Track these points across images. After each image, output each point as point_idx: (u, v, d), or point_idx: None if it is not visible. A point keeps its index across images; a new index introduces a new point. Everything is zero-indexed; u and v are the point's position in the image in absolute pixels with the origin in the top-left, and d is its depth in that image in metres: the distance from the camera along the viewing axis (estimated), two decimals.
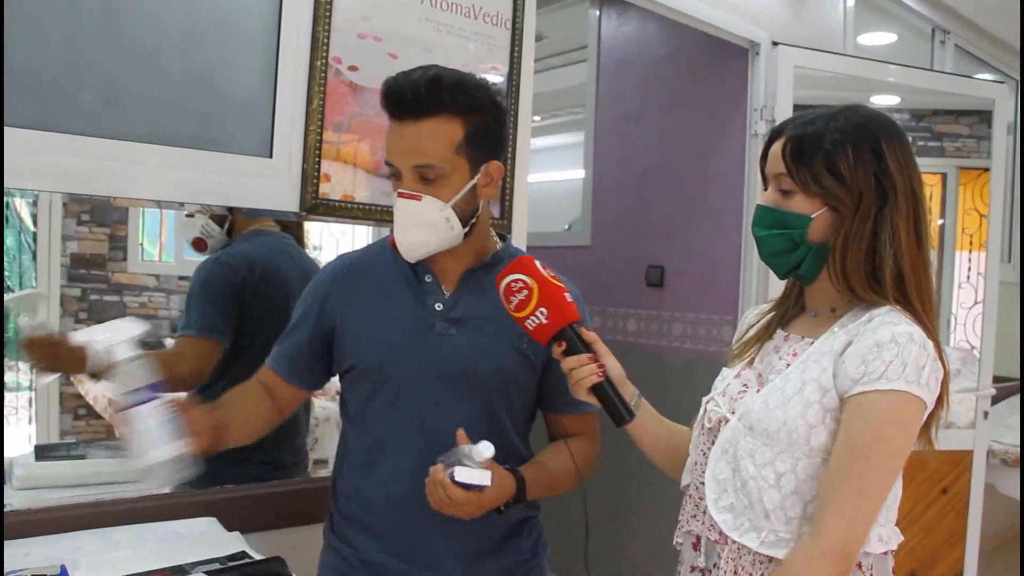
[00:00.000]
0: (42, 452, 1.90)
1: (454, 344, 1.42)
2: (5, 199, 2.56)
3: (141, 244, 3.33)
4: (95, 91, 1.50)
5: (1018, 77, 4.73)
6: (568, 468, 1.44)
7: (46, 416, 2.97)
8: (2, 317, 1.74)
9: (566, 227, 4.02)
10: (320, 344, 1.48)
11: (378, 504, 1.44)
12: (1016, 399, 4.65)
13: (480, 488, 1.27)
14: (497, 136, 1.43)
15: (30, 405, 2.99)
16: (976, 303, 3.58)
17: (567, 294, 1.28)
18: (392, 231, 1.42)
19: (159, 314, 3.31)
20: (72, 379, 1.90)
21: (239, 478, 1.81)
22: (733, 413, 1.24)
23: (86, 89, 1.49)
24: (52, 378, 2.19)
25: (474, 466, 1.26)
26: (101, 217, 3.13)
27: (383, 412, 1.43)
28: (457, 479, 1.25)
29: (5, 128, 1.36)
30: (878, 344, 1.12)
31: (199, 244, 2.13)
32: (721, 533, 1.21)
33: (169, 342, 2.40)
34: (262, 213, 1.99)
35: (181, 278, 3.37)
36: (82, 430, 3.07)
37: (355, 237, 3.02)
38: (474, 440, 1.29)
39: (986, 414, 3.27)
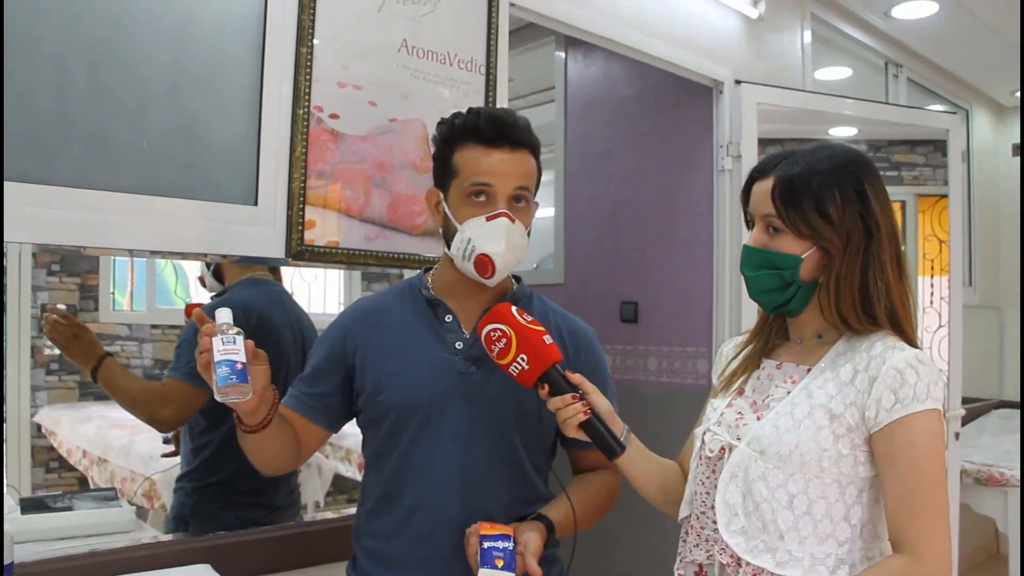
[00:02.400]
0: (28, 505, 1.88)
1: (475, 381, 1.45)
2: None
3: (112, 294, 3.32)
4: (83, 143, 1.52)
5: (968, 107, 4.91)
6: (592, 499, 1.50)
7: (17, 470, 2.93)
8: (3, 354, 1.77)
9: (534, 266, 4.06)
10: (343, 383, 1.50)
11: (400, 539, 1.45)
12: (983, 420, 4.76)
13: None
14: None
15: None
16: (940, 326, 3.67)
17: (546, 336, 1.32)
18: (483, 262, 1.42)
19: (132, 363, 3.29)
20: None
21: (236, 521, 1.81)
22: (738, 440, 1.28)
23: (74, 141, 1.51)
24: None
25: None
26: (71, 266, 3.12)
27: (405, 448, 1.45)
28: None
29: None
30: (899, 371, 1.19)
31: (203, 281, 2.23)
32: (733, 556, 1.24)
33: None
34: (248, 261, 2.01)
35: (153, 327, 3.36)
36: (54, 483, 3.03)
37: (327, 282, 3.04)
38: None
39: (957, 435, 3.34)
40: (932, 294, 4.58)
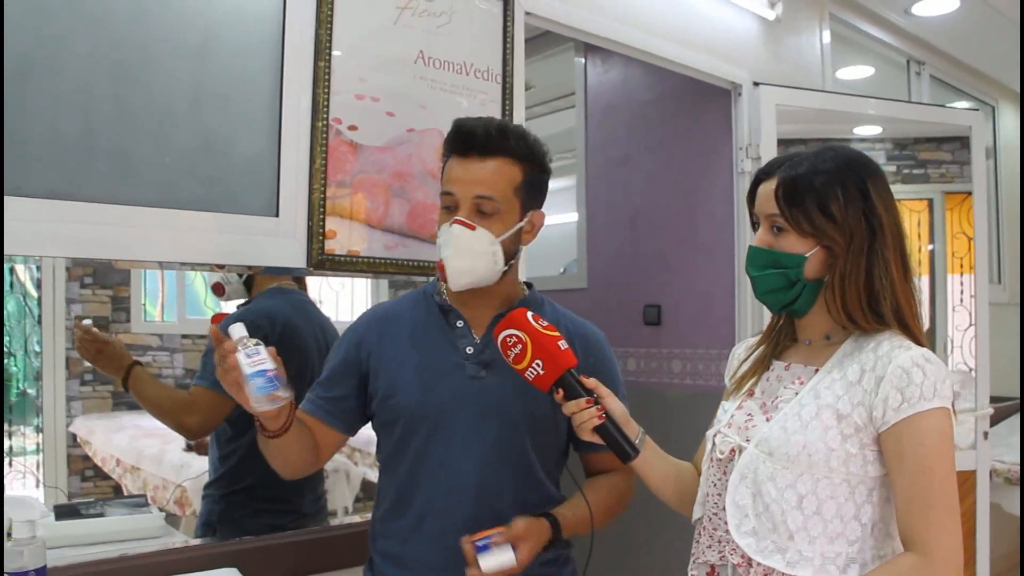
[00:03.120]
0: (61, 512, 1.93)
1: (485, 385, 1.48)
2: (6, 265, 2.63)
3: (144, 305, 3.39)
4: (108, 160, 1.57)
5: (994, 103, 4.85)
6: (602, 501, 1.52)
7: (54, 478, 3.00)
8: (2, 380, 1.82)
9: (561, 271, 4.08)
10: (358, 387, 1.53)
11: (414, 541, 1.49)
12: (1015, 419, 4.69)
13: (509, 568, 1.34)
14: (544, 188, 1.55)
15: (38, 469, 3.02)
16: (971, 325, 3.63)
17: (561, 342, 1.35)
18: (440, 267, 1.48)
19: (163, 373, 3.36)
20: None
21: (263, 528, 1.84)
22: (748, 442, 1.29)
23: (99, 158, 1.56)
24: None
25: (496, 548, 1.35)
26: (103, 279, 3.19)
27: (417, 451, 1.48)
28: (485, 570, 1.33)
29: (26, 199, 1.44)
30: (905, 370, 1.20)
31: (218, 289, 2.23)
32: (744, 557, 1.26)
33: None
34: (271, 271, 2.05)
35: (184, 336, 3.42)
36: (90, 491, 3.10)
37: (354, 291, 3.08)
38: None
39: (986, 434, 3.31)
40: (962, 292, 4.54)
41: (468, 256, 1.44)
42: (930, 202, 4.58)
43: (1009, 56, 4.36)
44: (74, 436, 3.11)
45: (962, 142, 3.79)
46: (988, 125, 4.74)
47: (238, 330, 1.30)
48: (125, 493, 3.01)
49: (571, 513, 1.48)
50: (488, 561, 1.33)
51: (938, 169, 4.53)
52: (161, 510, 2.33)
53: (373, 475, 2.83)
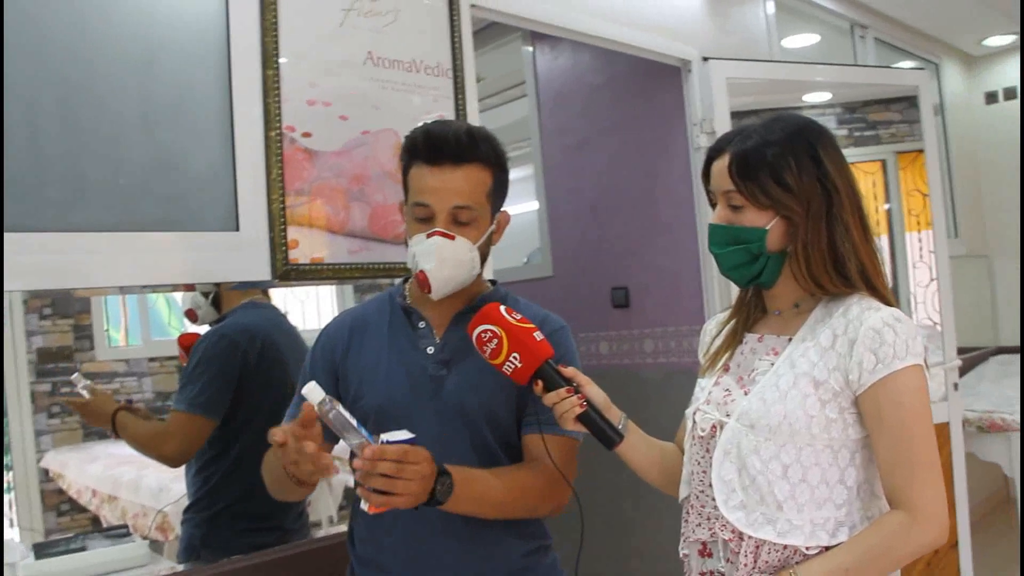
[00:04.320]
0: (41, 550, 1.89)
1: (446, 384, 1.47)
2: None
3: (107, 331, 3.33)
4: (60, 186, 1.53)
5: (938, 61, 4.93)
6: (523, 476, 1.45)
7: (28, 516, 2.94)
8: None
9: (524, 260, 4.07)
10: (335, 396, 1.51)
11: (388, 542, 1.47)
12: (981, 368, 4.79)
13: (411, 441, 1.25)
14: (507, 188, 1.54)
15: (10, 508, 2.95)
16: (932, 280, 3.69)
17: (536, 333, 1.34)
18: (416, 271, 1.45)
19: (133, 398, 3.30)
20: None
21: (247, 547, 1.82)
22: (728, 416, 1.30)
23: (51, 185, 1.52)
24: None
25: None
26: (64, 309, 3.12)
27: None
28: (391, 440, 1.23)
29: None
30: (876, 331, 1.21)
31: (191, 315, 2.18)
32: (734, 531, 1.26)
33: None
34: (238, 286, 2.02)
35: (151, 359, 3.36)
36: (67, 525, 3.04)
37: (320, 299, 3.05)
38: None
39: (956, 386, 3.37)
40: (920, 249, 4.61)
41: (451, 266, 1.44)
42: (883, 163, 4.64)
43: (949, 14, 4.43)
44: (46, 471, 3.04)
45: (910, 101, 3.84)
46: (934, 83, 4.81)
47: (314, 393, 1.20)
48: (104, 524, 2.96)
49: (465, 475, 1.36)
50: (391, 435, 1.24)
51: (888, 129, 4.60)
52: (144, 538, 2.29)
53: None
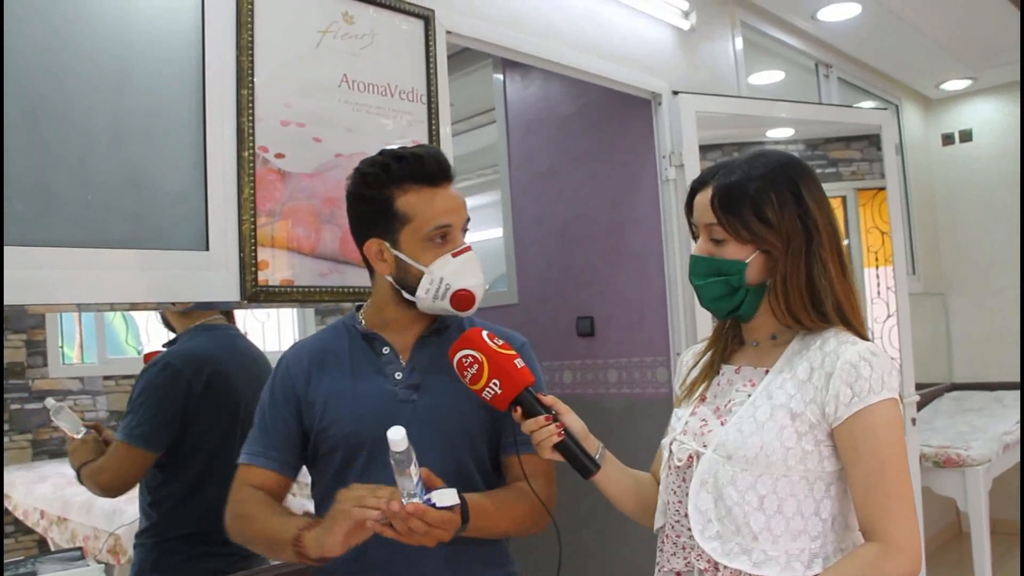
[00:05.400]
0: None
1: (417, 408, 1.46)
2: None
3: (61, 347, 3.25)
4: (26, 200, 1.50)
5: (898, 102, 5.05)
6: (515, 505, 1.44)
7: None
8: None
9: (487, 287, 4.05)
10: (299, 429, 1.49)
11: (357, 573, 1.44)
12: (936, 403, 4.87)
13: (454, 507, 1.27)
14: None
15: None
16: (889, 316, 3.76)
17: (518, 360, 1.34)
18: (463, 297, 1.46)
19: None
20: None
21: (207, 572, 1.77)
22: (705, 447, 1.30)
23: (16, 199, 1.48)
24: None
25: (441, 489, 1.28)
26: (16, 324, 3.04)
27: (356, 481, 1.43)
28: (438, 504, 1.24)
29: None
30: (853, 365, 1.23)
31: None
32: (710, 561, 1.26)
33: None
34: (204, 306, 1.98)
35: (106, 378, 3.28)
36: (11, 548, 2.94)
37: (280, 321, 3.01)
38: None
39: (914, 421, 3.42)
40: (879, 285, 4.70)
41: (481, 273, 1.49)
42: (843, 199, 4.73)
43: (909, 58, 4.55)
44: None
45: (870, 140, 3.93)
46: (895, 123, 4.93)
47: (399, 439, 1.20)
48: (52, 547, 2.87)
49: (480, 500, 1.40)
50: (442, 497, 1.25)
51: (849, 167, 4.69)
52: (97, 561, 2.23)
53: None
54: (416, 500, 1.22)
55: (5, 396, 2.54)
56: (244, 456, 1.49)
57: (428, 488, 1.26)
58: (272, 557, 1.46)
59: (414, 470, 1.21)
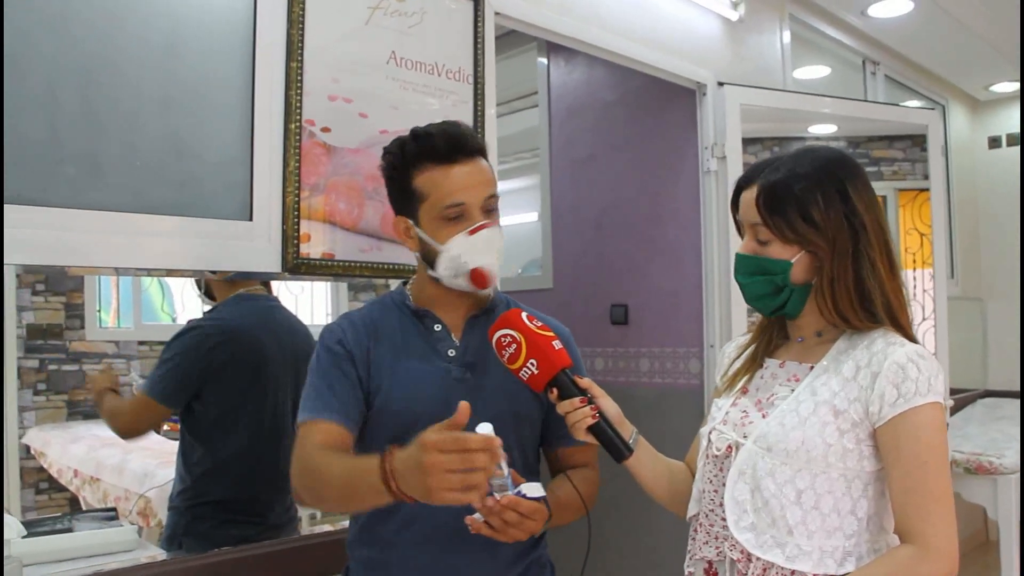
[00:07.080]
0: (29, 528, 1.87)
1: (471, 387, 1.45)
2: None
3: (98, 311, 3.30)
4: (75, 163, 1.52)
5: (944, 102, 4.97)
6: (571, 497, 1.47)
7: (6, 493, 2.90)
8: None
9: (519, 271, 4.06)
10: (360, 387, 1.46)
11: (398, 545, 1.45)
12: (969, 410, 4.81)
13: (542, 499, 1.28)
14: None
15: None
16: (924, 319, 3.71)
17: (556, 342, 1.34)
18: (480, 276, 1.44)
19: (120, 380, 3.27)
20: None
21: (230, 539, 1.80)
22: (745, 438, 1.30)
23: (67, 163, 1.50)
24: None
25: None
26: (56, 286, 3.09)
27: None
28: (529, 495, 1.26)
29: None
30: (900, 366, 1.22)
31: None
32: (743, 552, 1.27)
33: None
34: (245, 276, 2.00)
35: (141, 343, 3.34)
36: (44, 504, 3.00)
37: (314, 294, 3.03)
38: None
39: (947, 425, 3.37)
40: (915, 287, 4.65)
41: (500, 254, 1.46)
42: (883, 199, 4.68)
43: (959, 57, 4.47)
44: (27, 448, 3.01)
45: (913, 140, 3.88)
46: (941, 123, 4.86)
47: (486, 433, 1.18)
48: (83, 506, 2.93)
49: (562, 494, 1.45)
50: (533, 489, 1.27)
51: (891, 167, 4.63)
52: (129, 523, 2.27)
53: None
54: (508, 493, 1.24)
55: (43, 357, 2.60)
56: (305, 413, 1.43)
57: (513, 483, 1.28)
58: (348, 506, 1.43)
59: (504, 464, 1.22)
